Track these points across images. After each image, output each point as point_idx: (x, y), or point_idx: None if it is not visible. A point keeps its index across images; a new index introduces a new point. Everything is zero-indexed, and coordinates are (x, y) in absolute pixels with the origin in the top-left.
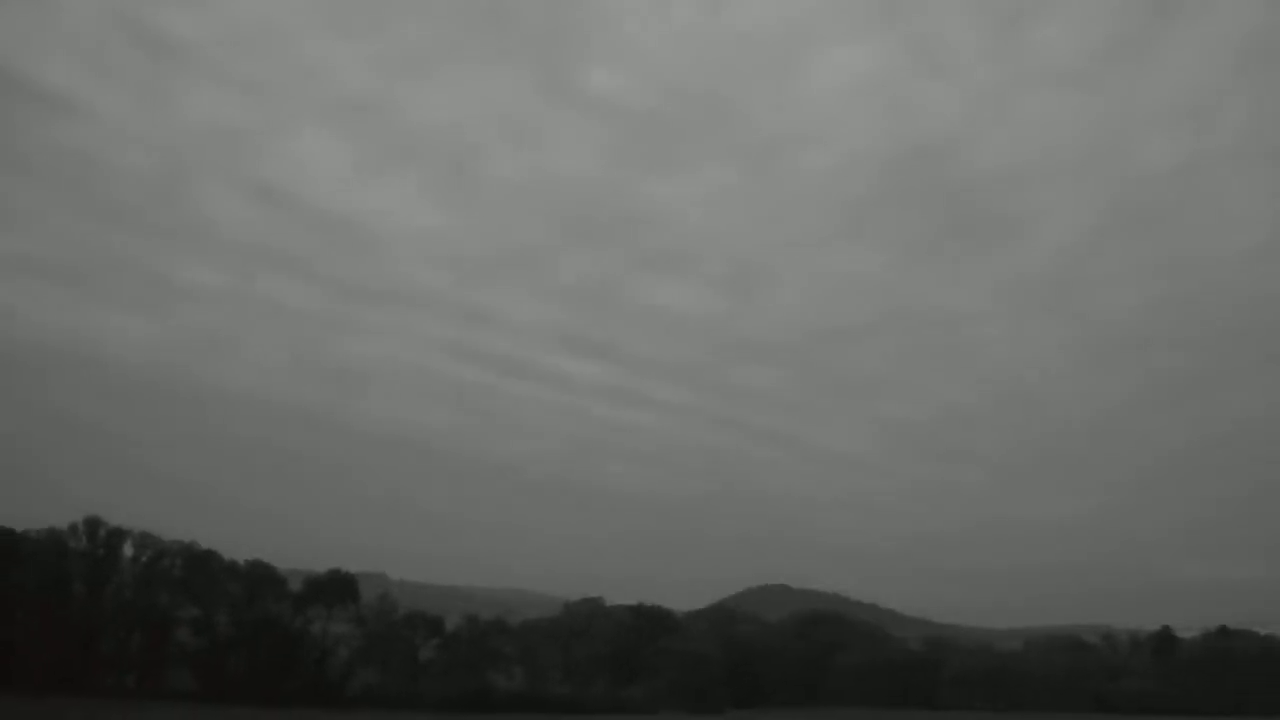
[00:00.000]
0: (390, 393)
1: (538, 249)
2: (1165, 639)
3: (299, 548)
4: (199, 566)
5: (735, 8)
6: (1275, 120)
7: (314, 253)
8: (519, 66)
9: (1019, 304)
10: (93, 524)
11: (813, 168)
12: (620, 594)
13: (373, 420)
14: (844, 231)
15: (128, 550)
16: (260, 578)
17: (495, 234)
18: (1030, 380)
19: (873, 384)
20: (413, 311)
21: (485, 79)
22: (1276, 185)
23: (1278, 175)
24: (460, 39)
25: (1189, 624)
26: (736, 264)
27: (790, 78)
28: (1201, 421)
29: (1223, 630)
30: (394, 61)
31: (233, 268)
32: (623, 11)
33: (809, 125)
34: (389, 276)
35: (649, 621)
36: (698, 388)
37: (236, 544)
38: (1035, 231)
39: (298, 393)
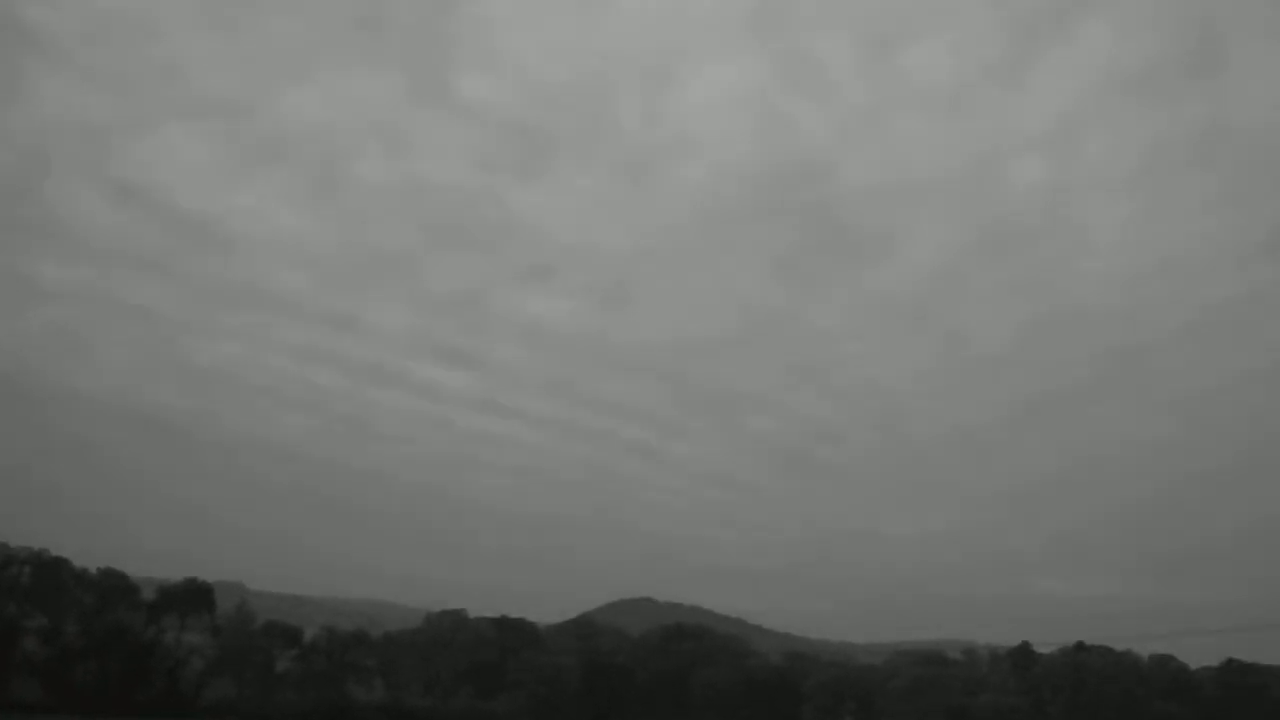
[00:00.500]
0: (250, 398)
1: (405, 256)
2: (1024, 654)
3: (154, 556)
4: (48, 574)
5: (611, 19)
6: (1137, 149)
7: (174, 253)
8: (391, 71)
9: (886, 321)
10: None
11: (685, 181)
12: (483, 606)
13: (232, 425)
14: (714, 245)
15: None
16: (112, 586)
17: (362, 239)
18: (896, 397)
19: (740, 398)
20: (275, 315)
21: (356, 82)
22: (1137, 212)
23: (1138, 203)
24: (332, 41)
25: (1048, 640)
26: (607, 275)
27: (664, 90)
28: (1061, 442)
29: (1080, 646)
30: (263, 61)
31: (89, 266)
32: (498, 20)
33: (682, 138)
34: (251, 279)
35: (511, 634)
36: (566, 399)
37: (89, 552)
38: (903, 251)
39: (155, 396)
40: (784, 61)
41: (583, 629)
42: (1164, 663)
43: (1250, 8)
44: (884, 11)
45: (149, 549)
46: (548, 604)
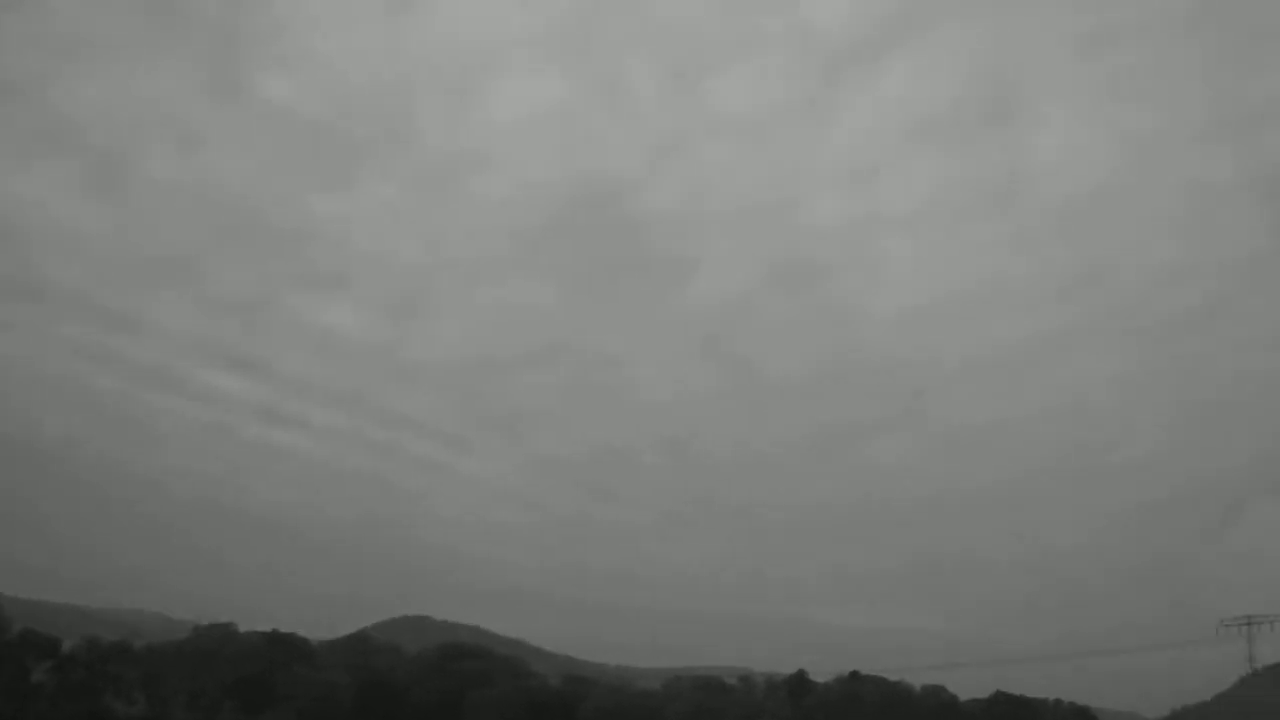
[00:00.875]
0: (16, 395)
1: (192, 256)
2: (800, 682)
3: None
4: None
5: (421, 26)
6: (933, 191)
7: None
8: (188, 64)
9: (680, 348)
10: None
11: (486, 195)
12: (256, 621)
13: None
14: (513, 262)
15: None
16: None
17: (147, 236)
18: (686, 422)
19: (529, 417)
20: (48, 311)
21: (150, 73)
22: (932, 253)
23: (934, 244)
24: (126, 28)
25: (823, 668)
26: (402, 287)
27: (470, 103)
28: (845, 475)
29: (854, 675)
30: (49, 43)
31: None
32: (304, 19)
33: (485, 151)
34: (24, 271)
35: (281, 649)
36: (353, 412)
37: None
38: (702, 277)
39: None
40: (591, 82)
41: (358, 645)
42: (935, 693)
43: (1047, 63)
44: (693, 40)
45: None
46: (323, 619)
